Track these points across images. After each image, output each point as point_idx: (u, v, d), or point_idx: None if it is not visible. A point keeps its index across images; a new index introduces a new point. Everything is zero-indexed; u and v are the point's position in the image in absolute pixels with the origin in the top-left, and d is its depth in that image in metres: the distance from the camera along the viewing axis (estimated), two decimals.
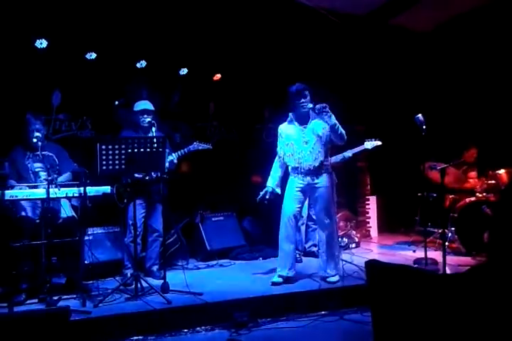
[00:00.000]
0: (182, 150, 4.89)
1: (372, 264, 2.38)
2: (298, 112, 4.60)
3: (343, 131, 4.56)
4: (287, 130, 4.65)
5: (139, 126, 4.88)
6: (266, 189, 4.66)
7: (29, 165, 4.47)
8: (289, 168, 4.71)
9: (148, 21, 5.59)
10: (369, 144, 5.71)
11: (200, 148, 4.95)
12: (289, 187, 4.67)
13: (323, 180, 4.58)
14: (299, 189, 4.63)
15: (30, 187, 4.15)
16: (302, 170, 4.58)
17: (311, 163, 4.54)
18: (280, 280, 4.56)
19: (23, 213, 4.26)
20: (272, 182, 4.70)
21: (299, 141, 4.58)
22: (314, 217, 5.24)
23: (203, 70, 6.50)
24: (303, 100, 4.53)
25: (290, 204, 4.62)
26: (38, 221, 4.24)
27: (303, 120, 4.63)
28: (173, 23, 5.73)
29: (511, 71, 6.18)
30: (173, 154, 4.85)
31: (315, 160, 4.54)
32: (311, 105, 4.51)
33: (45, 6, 5.06)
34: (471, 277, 1.95)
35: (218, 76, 6.57)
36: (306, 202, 5.10)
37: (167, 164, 4.66)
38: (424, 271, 2.99)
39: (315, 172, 4.56)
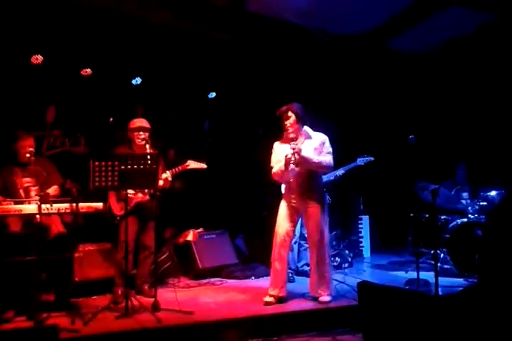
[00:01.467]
0: (176, 168, 4.88)
1: (364, 285, 2.38)
2: (288, 133, 4.63)
3: (324, 163, 4.52)
4: (280, 148, 4.67)
5: (134, 142, 4.89)
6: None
7: (17, 180, 4.43)
8: (282, 186, 4.71)
9: (144, 39, 5.64)
10: (361, 160, 5.75)
11: (194, 166, 4.93)
12: (282, 206, 4.67)
13: (314, 200, 4.58)
14: (291, 207, 4.62)
15: (20, 203, 4.11)
16: (294, 190, 4.59)
17: (302, 182, 4.55)
18: (272, 300, 4.52)
19: (14, 228, 4.21)
20: None
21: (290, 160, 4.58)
22: (306, 235, 5.23)
23: (198, 87, 6.55)
24: (286, 122, 4.58)
25: (283, 223, 4.61)
26: (28, 237, 4.19)
27: (296, 138, 4.64)
28: (169, 42, 5.79)
29: (502, 92, 6.28)
30: (167, 172, 4.84)
31: (306, 181, 4.55)
32: (291, 129, 4.53)
33: (41, 23, 5.10)
34: (463, 298, 1.95)
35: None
36: (299, 221, 5.08)
37: (161, 182, 4.65)
38: (416, 293, 2.98)
39: (306, 192, 4.57)
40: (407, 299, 2.16)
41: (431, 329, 1.98)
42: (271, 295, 4.54)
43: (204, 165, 4.99)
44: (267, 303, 4.49)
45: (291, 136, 4.58)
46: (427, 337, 2.00)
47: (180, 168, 4.89)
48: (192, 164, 4.92)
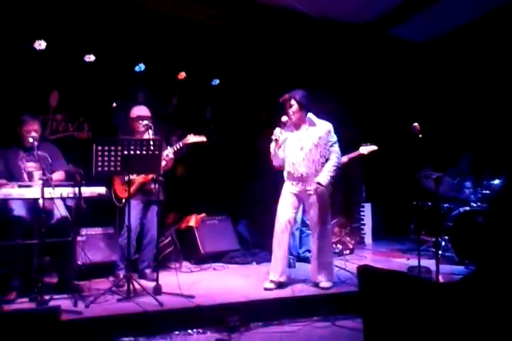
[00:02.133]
0: (177, 144, 4.85)
1: (364, 269, 2.38)
2: (291, 121, 4.63)
3: (337, 163, 4.63)
4: (285, 133, 4.65)
5: (135, 130, 4.90)
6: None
7: (22, 165, 4.46)
8: (284, 172, 4.72)
9: (148, 25, 5.61)
10: (364, 149, 5.72)
11: (194, 140, 4.86)
12: (284, 193, 4.68)
13: (313, 190, 4.58)
14: (293, 194, 4.64)
15: (24, 187, 4.15)
16: (296, 176, 4.60)
17: (305, 169, 4.55)
18: (272, 285, 4.55)
19: (17, 212, 4.23)
20: None
21: (294, 147, 4.60)
22: (308, 222, 5.24)
23: (201, 75, 6.53)
24: (288, 110, 4.58)
25: (284, 210, 4.63)
26: (31, 220, 4.22)
27: (299, 126, 4.65)
28: (173, 28, 5.76)
29: (506, 80, 6.24)
30: (169, 148, 4.81)
31: (309, 168, 4.55)
32: (285, 118, 4.55)
33: (45, 8, 5.08)
34: (463, 286, 1.95)
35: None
36: (301, 207, 5.09)
37: (164, 162, 4.63)
38: (417, 278, 2.99)
39: (308, 179, 4.57)
40: (407, 284, 2.16)
41: (431, 316, 1.99)
42: (271, 281, 4.57)
43: (204, 138, 4.92)
44: (268, 288, 4.52)
45: (289, 121, 4.58)
46: (427, 323, 2.01)
47: (181, 143, 4.85)
48: (191, 138, 4.87)
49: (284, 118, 4.58)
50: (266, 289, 4.53)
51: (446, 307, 1.93)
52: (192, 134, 4.89)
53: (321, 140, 4.57)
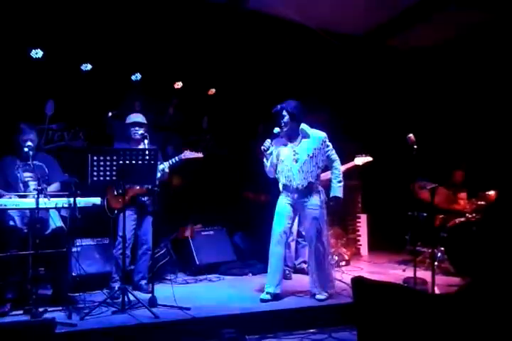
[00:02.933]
0: (173, 159, 4.86)
1: (359, 281, 2.37)
2: (284, 131, 4.63)
3: (340, 171, 4.73)
4: (279, 145, 4.66)
5: (131, 138, 4.88)
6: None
7: (18, 174, 4.43)
8: (280, 184, 4.71)
9: (145, 35, 5.63)
10: (359, 160, 5.73)
11: (191, 156, 4.89)
12: (279, 204, 4.67)
13: (312, 199, 4.58)
14: (288, 205, 4.63)
15: (20, 197, 4.12)
16: (292, 188, 4.59)
17: (300, 182, 4.54)
18: (268, 297, 4.52)
19: (12, 223, 4.20)
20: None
21: (289, 159, 4.59)
22: (304, 233, 5.23)
23: (197, 84, 6.54)
24: (280, 121, 4.58)
25: (280, 221, 4.61)
26: (26, 231, 4.18)
27: (293, 138, 4.65)
28: (169, 37, 5.78)
29: (502, 93, 6.28)
30: (165, 163, 4.82)
31: (304, 180, 4.54)
32: (277, 129, 4.55)
33: (42, 17, 5.09)
34: (459, 298, 1.94)
35: (213, 90, 6.61)
36: (297, 219, 5.08)
37: (159, 174, 4.63)
38: (411, 289, 2.98)
39: (304, 191, 4.57)
40: (402, 296, 2.15)
41: (426, 327, 1.97)
42: (267, 293, 4.55)
43: (200, 155, 4.95)
44: (264, 300, 4.49)
45: (288, 131, 4.59)
46: (422, 335, 2.00)
47: (176, 158, 4.86)
48: (188, 154, 4.88)
49: (276, 130, 4.58)
50: (262, 301, 4.49)
51: (441, 318, 1.92)
52: (189, 150, 4.90)
53: (316, 151, 4.56)
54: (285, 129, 4.59)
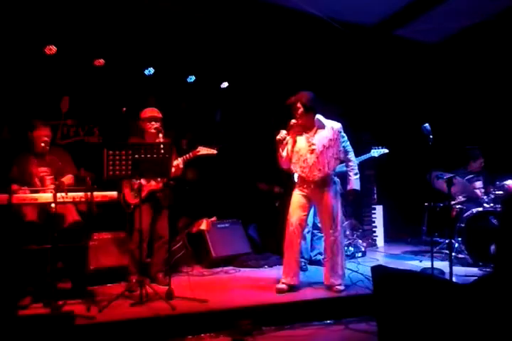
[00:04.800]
0: (187, 155, 4.88)
1: (378, 269, 2.36)
2: (299, 123, 4.62)
3: (355, 163, 4.76)
4: (294, 136, 4.64)
5: (146, 132, 4.91)
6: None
7: (33, 170, 4.49)
8: (295, 175, 4.71)
9: (157, 29, 5.64)
10: (376, 152, 5.70)
11: (204, 152, 4.91)
12: (294, 195, 4.67)
13: (328, 190, 4.57)
14: (304, 196, 4.62)
15: (34, 192, 4.16)
16: (307, 179, 4.58)
17: (316, 173, 4.53)
18: (285, 288, 4.53)
19: (29, 217, 4.26)
20: None
21: (304, 149, 4.58)
22: (320, 225, 5.22)
23: (210, 78, 6.54)
24: (295, 113, 4.57)
25: (295, 212, 4.61)
26: (44, 225, 4.24)
27: (308, 128, 4.64)
28: (182, 31, 5.78)
29: None
30: (179, 159, 4.85)
31: (319, 171, 4.53)
32: (293, 121, 4.54)
33: (55, 13, 5.11)
34: (478, 288, 1.93)
35: (225, 84, 6.61)
36: (312, 210, 5.08)
37: (173, 169, 4.66)
38: (432, 278, 2.94)
39: (320, 182, 4.55)
40: (423, 284, 2.13)
41: (447, 316, 1.96)
42: (283, 284, 4.56)
43: (214, 151, 4.97)
44: (280, 291, 4.51)
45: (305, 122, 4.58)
46: (443, 324, 1.98)
47: (191, 154, 4.89)
48: (202, 150, 4.90)
49: (293, 122, 4.58)
50: (278, 292, 4.51)
51: (463, 308, 1.91)
52: (203, 145, 4.91)
53: (331, 141, 4.55)
54: (300, 121, 4.58)
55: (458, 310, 1.92)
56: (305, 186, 4.61)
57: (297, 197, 4.64)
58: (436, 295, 2.05)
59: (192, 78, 6.42)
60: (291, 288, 4.56)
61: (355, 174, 4.68)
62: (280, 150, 4.63)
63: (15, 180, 4.34)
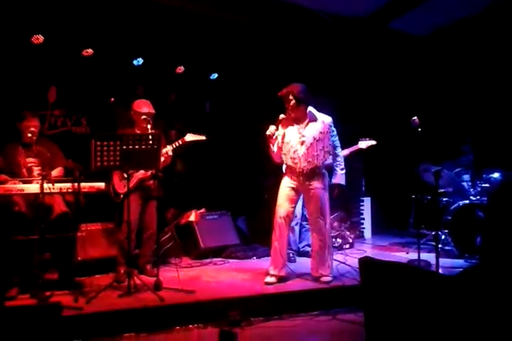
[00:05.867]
0: (176, 142, 4.85)
1: (365, 261, 2.36)
2: (290, 115, 4.61)
3: (342, 158, 4.83)
4: (285, 127, 4.63)
5: (136, 123, 4.87)
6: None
7: (21, 160, 4.45)
8: (283, 166, 4.71)
9: (146, 19, 5.58)
10: (363, 143, 5.71)
11: (193, 139, 4.88)
12: (282, 187, 4.67)
13: (316, 182, 4.58)
14: (292, 188, 4.63)
15: (24, 182, 4.14)
16: (296, 171, 4.58)
17: (305, 164, 4.53)
18: (273, 279, 4.55)
19: (16, 208, 4.23)
20: None
21: (295, 141, 4.58)
22: (308, 216, 5.24)
23: (200, 69, 6.50)
24: (287, 105, 4.56)
25: (283, 204, 4.62)
26: (31, 216, 4.21)
27: (300, 120, 4.63)
28: (171, 21, 5.73)
29: (507, 74, 6.22)
30: (168, 146, 4.81)
31: (309, 163, 4.53)
32: (282, 116, 4.56)
33: (42, 2, 5.04)
34: (464, 279, 1.94)
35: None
36: (300, 202, 5.09)
37: (162, 158, 4.63)
38: (420, 269, 2.96)
39: (308, 173, 4.56)
40: (410, 275, 2.14)
41: (432, 307, 1.97)
42: (272, 275, 4.58)
43: (203, 137, 4.93)
44: (268, 283, 4.53)
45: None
46: (430, 315, 2.00)
47: (180, 141, 4.86)
48: (190, 137, 4.88)
49: (282, 116, 4.56)
50: (266, 283, 4.53)
51: (450, 299, 1.92)
52: (191, 133, 4.89)
53: (322, 134, 4.56)
54: (291, 113, 4.57)
55: (444, 301, 1.94)
56: (294, 177, 4.61)
57: (285, 189, 4.64)
58: (422, 286, 2.06)
59: (181, 69, 6.36)
60: (279, 279, 4.58)
61: (342, 169, 4.71)
62: (271, 145, 4.62)
63: (2, 170, 4.30)
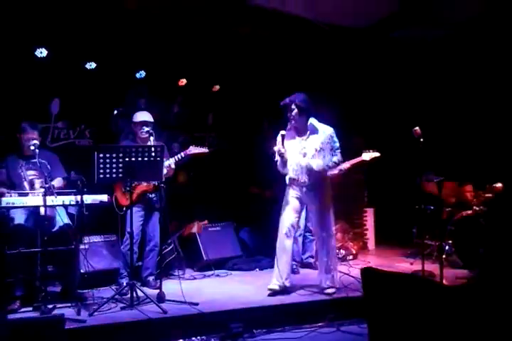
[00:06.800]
0: (179, 155, 4.87)
1: (368, 271, 2.36)
2: (292, 125, 4.61)
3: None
4: (288, 139, 4.62)
5: (137, 135, 4.90)
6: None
7: (22, 173, 4.45)
8: (287, 177, 4.72)
9: (149, 32, 5.63)
10: (367, 155, 5.69)
11: (196, 151, 4.89)
12: (287, 198, 4.67)
13: (320, 193, 4.58)
14: (296, 199, 4.62)
15: (20, 195, 4.12)
16: (299, 182, 4.58)
17: (307, 176, 4.54)
18: (276, 289, 4.53)
19: (19, 221, 4.22)
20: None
21: (297, 152, 4.59)
22: (311, 228, 5.23)
23: (202, 81, 6.54)
24: (289, 114, 4.56)
25: (287, 215, 4.61)
26: (33, 228, 4.21)
27: (301, 131, 4.64)
28: (173, 34, 5.78)
29: (509, 83, 6.23)
30: (171, 159, 4.83)
31: (311, 175, 4.54)
32: (283, 132, 4.52)
33: (46, 16, 5.10)
34: (467, 290, 1.94)
35: (217, 87, 6.62)
36: (304, 213, 5.08)
37: (165, 170, 4.65)
38: (422, 279, 2.94)
39: (311, 185, 4.56)
40: (413, 285, 2.13)
41: (437, 318, 1.96)
42: (275, 286, 4.55)
43: (205, 150, 4.95)
44: (271, 294, 4.50)
45: (298, 125, 4.57)
46: (433, 325, 1.98)
47: (182, 154, 4.87)
48: (193, 149, 4.89)
49: (283, 133, 4.55)
50: (270, 295, 4.50)
51: (453, 310, 1.91)
52: (194, 145, 4.91)
53: (323, 145, 4.56)
54: (293, 122, 4.58)
55: (448, 311, 1.93)
56: (297, 188, 4.61)
57: (290, 199, 4.63)
58: (426, 296, 2.05)
59: (183, 81, 6.41)
60: (282, 291, 4.55)
61: (333, 161, 4.62)
62: (279, 159, 4.61)
63: (3, 183, 4.30)
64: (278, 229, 4.64)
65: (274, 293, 4.51)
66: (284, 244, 4.60)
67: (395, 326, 2.21)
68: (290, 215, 4.60)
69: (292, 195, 4.63)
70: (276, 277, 4.60)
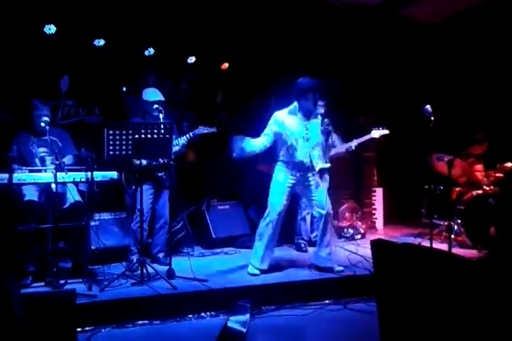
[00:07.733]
0: (188, 134, 4.86)
1: (378, 242, 2.32)
2: (305, 107, 4.54)
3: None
4: (288, 120, 4.55)
5: (147, 113, 4.88)
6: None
7: (33, 150, 4.47)
8: (281, 159, 4.63)
9: (157, 9, 5.57)
10: (376, 133, 5.64)
11: (205, 131, 4.88)
12: (280, 182, 4.57)
13: (315, 178, 4.57)
14: (289, 185, 4.56)
15: (32, 171, 4.15)
16: (296, 167, 4.54)
17: (308, 162, 4.51)
18: (258, 271, 4.55)
19: (30, 197, 4.26)
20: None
21: (299, 136, 4.52)
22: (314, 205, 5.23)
23: (211, 58, 6.48)
24: (317, 100, 4.54)
25: (280, 200, 4.55)
26: (45, 205, 4.25)
27: (307, 114, 4.59)
28: (182, 11, 5.71)
29: None
30: (183, 137, 4.82)
31: (312, 161, 4.51)
32: (322, 110, 4.51)
33: None
34: (484, 263, 1.91)
35: (226, 65, 6.55)
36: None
37: (177, 147, 4.69)
38: (434, 250, 2.88)
39: (309, 170, 4.54)
40: (425, 256, 2.08)
41: (449, 291, 1.92)
42: (256, 268, 4.59)
43: (214, 129, 4.94)
44: (254, 275, 4.53)
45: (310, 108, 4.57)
46: (446, 299, 1.94)
47: (191, 134, 4.85)
48: (202, 129, 4.87)
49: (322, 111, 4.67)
50: (252, 275, 4.52)
51: (466, 282, 1.87)
52: (203, 125, 4.89)
53: (323, 127, 4.49)
54: (316, 109, 4.58)
55: (461, 285, 1.88)
56: (292, 172, 4.55)
57: (283, 186, 4.55)
58: (438, 267, 1.99)
59: (192, 59, 6.35)
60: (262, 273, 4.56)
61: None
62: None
63: (14, 159, 4.33)
64: (269, 211, 4.61)
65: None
66: (274, 229, 4.59)
67: (406, 301, 2.17)
68: (283, 201, 4.54)
69: (288, 181, 4.53)
70: (262, 261, 4.61)
